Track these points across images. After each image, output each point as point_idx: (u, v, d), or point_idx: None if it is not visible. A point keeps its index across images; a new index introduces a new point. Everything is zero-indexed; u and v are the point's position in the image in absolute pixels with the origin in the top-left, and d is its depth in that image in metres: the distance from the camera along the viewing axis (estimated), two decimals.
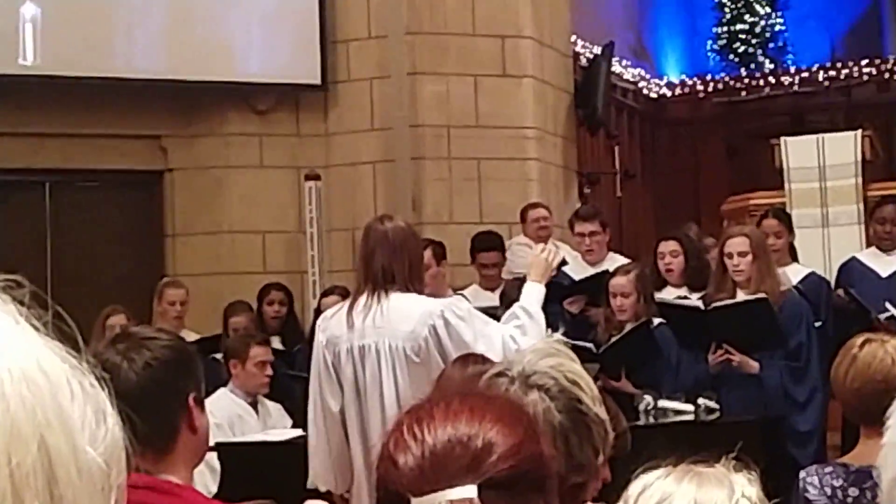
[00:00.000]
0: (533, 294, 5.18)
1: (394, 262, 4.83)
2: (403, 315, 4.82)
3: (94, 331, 7.23)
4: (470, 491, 1.46)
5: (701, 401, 6.48)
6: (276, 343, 8.05)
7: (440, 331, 4.78)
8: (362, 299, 4.88)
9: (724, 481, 2.01)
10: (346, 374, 4.94)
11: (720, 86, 14.79)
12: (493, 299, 7.44)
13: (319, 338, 5.02)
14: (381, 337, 4.85)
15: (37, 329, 0.87)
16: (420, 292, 4.89)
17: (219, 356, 7.29)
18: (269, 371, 6.79)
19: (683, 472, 2.03)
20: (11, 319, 0.84)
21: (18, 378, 0.80)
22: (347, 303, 5.00)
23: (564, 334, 6.13)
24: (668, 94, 14.85)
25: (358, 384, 4.90)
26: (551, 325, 7.40)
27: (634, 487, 2.04)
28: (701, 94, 14.79)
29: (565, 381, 2.35)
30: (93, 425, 0.84)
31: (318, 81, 9.97)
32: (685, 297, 7.18)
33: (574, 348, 2.52)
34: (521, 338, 4.81)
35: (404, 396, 4.72)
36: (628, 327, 6.79)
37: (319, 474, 5.06)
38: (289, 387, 7.20)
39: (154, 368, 2.62)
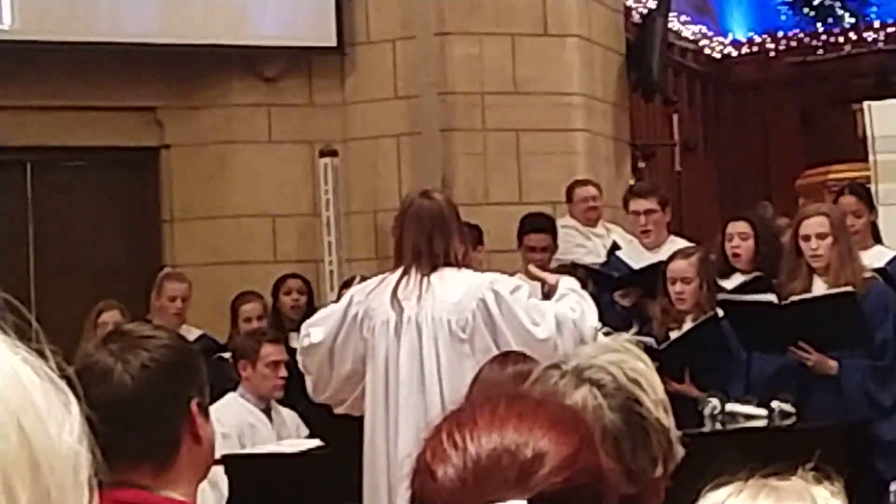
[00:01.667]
0: (570, 281, 5.35)
1: (439, 240, 4.99)
2: (449, 287, 4.96)
3: (85, 328, 7.26)
4: None
5: (775, 404, 6.45)
6: (296, 340, 8.06)
7: (490, 304, 4.90)
8: (407, 277, 5.01)
9: (805, 495, 1.99)
10: (377, 353, 5.04)
11: (793, 43, 14.71)
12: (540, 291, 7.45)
13: (354, 311, 5.13)
14: (422, 309, 4.97)
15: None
16: (469, 267, 5.07)
17: (227, 356, 7.30)
18: (283, 372, 6.80)
19: (757, 487, 2.02)
20: None
21: None
22: (390, 277, 5.11)
23: (614, 329, 6.11)
24: (734, 53, 14.78)
25: (388, 364, 4.97)
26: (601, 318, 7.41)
27: None
28: (771, 54, 14.72)
29: (624, 378, 2.36)
30: (59, 416, 0.87)
31: (333, 43, 9.97)
32: (756, 279, 7.12)
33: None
34: (578, 313, 4.95)
35: (448, 381, 4.79)
36: (689, 320, 6.77)
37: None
38: (305, 389, 7.20)
39: (152, 371, 2.62)
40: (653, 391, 2.38)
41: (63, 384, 0.89)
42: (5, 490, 0.78)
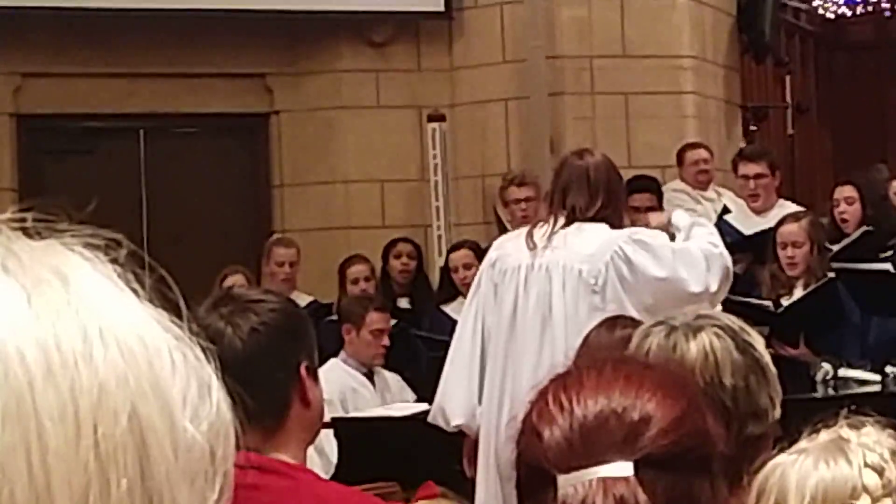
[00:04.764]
0: (685, 217, 5.31)
1: (588, 198, 4.95)
2: (586, 239, 4.93)
3: (212, 293, 7.31)
4: (625, 468, 1.44)
5: (889, 369, 6.37)
6: (404, 303, 8.10)
7: (630, 254, 4.85)
8: (546, 226, 5.00)
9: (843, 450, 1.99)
10: (505, 299, 5.04)
11: None
12: None
13: (491, 255, 5.19)
14: (555, 258, 4.94)
15: (136, 293, 0.86)
16: (614, 226, 4.98)
17: (335, 318, 7.34)
18: (386, 341, 6.79)
19: (798, 452, 2.03)
20: (108, 280, 0.84)
21: (111, 341, 0.79)
22: (527, 228, 5.14)
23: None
24: (848, 13, 14.52)
25: (516, 310, 4.96)
26: None
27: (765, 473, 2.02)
28: (887, 13, 14.44)
29: (735, 325, 2.43)
30: (195, 401, 0.83)
31: (441, 8, 9.96)
32: (865, 234, 7.02)
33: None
34: (718, 241, 4.95)
35: (574, 329, 4.62)
36: (800, 285, 6.69)
37: (454, 405, 5.14)
38: (414, 351, 7.22)
39: (261, 334, 2.64)
40: (759, 341, 2.46)
41: (208, 369, 0.85)
42: (100, 476, 0.75)
